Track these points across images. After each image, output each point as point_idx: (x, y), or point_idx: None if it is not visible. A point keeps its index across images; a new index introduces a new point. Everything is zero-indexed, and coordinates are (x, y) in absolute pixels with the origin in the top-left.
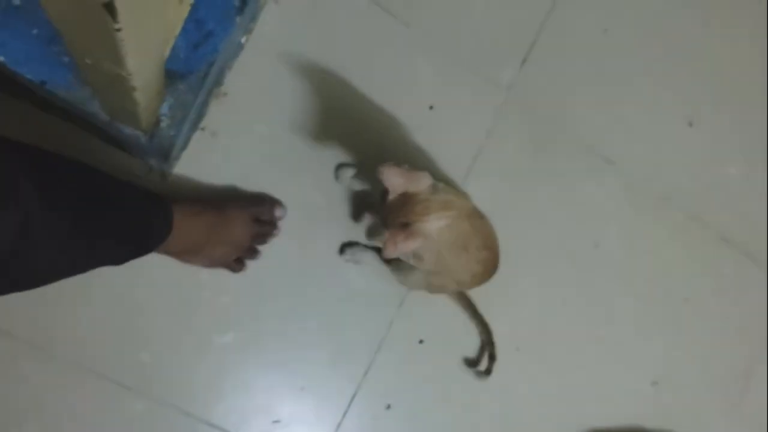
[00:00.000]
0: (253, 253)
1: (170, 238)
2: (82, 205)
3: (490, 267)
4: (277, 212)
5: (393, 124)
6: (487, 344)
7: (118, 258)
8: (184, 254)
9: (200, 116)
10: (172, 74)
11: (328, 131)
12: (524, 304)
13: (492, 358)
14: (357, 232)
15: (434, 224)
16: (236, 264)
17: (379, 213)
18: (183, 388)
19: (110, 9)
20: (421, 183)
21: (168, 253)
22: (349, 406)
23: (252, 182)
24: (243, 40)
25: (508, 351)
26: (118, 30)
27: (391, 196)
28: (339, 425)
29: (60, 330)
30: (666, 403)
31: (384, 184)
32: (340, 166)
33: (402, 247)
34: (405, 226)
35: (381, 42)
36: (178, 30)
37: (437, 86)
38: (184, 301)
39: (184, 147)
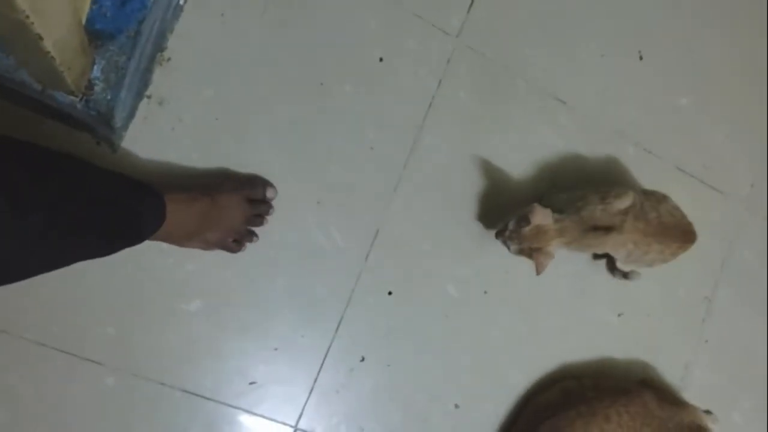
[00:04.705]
0: (250, 234)
1: (163, 226)
2: (61, 197)
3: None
4: (269, 193)
5: (344, 75)
6: None
7: (107, 249)
8: (179, 240)
9: (145, 84)
10: (100, 34)
11: (278, 89)
12: (489, 248)
13: None
14: (305, 189)
15: (556, 246)
16: (234, 245)
17: (511, 236)
18: (154, 358)
19: None
20: (549, 219)
21: (162, 239)
22: (323, 361)
23: (205, 148)
24: (182, 1)
25: (477, 294)
26: None
27: (528, 228)
28: (315, 380)
29: (20, 310)
30: (632, 333)
31: (531, 219)
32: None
33: (545, 264)
34: (538, 250)
35: None
36: None
37: (385, 37)
38: (146, 271)
39: (130, 116)
